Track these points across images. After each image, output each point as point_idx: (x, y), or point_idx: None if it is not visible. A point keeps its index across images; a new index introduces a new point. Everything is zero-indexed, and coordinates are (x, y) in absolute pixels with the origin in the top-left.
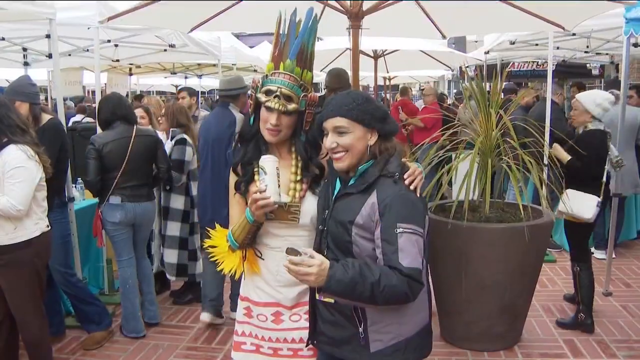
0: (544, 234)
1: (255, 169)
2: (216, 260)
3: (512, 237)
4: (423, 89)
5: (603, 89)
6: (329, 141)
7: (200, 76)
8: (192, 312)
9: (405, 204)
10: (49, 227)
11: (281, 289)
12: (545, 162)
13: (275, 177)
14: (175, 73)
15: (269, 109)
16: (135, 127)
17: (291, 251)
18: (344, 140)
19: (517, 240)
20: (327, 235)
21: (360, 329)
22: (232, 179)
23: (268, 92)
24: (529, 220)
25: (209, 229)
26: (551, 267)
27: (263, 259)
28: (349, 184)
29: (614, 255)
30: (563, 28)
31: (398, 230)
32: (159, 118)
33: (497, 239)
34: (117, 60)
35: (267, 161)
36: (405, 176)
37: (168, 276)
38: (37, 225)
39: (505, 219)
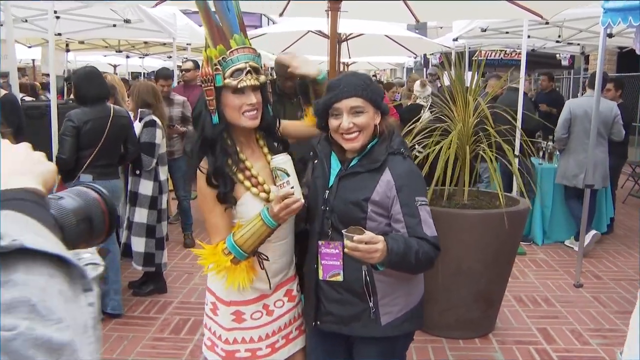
0: (520, 221)
1: (237, 173)
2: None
3: (489, 223)
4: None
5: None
6: (346, 121)
7: (144, 56)
8: (155, 303)
9: (417, 179)
10: None
11: (272, 279)
12: (517, 151)
13: (295, 176)
14: (120, 51)
15: (241, 90)
16: (112, 106)
17: (354, 230)
18: (360, 120)
19: (494, 226)
20: (331, 214)
21: (371, 304)
22: (208, 191)
23: (236, 73)
24: (506, 207)
25: (194, 249)
26: (521, 260)
27: (269, 261)
28: (352, 163)
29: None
30: (541, 17)
31: (417, 204)
32: (127, 99)
33: (475, 225)
34: (59, 34)
35: (286, 162)
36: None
37: (135, 265)
38: None
39: (481, 207)
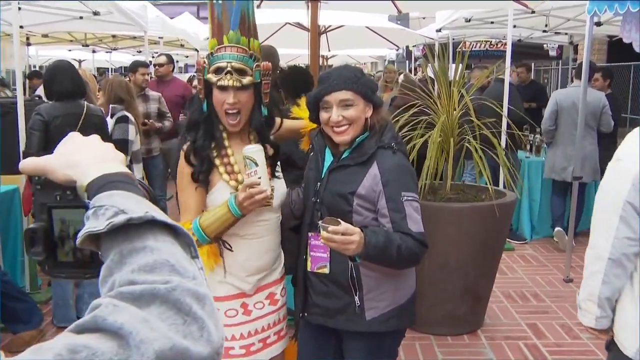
0: (506, 214)
1: (215, 157)
2: None
3: (476, 216)
4: None
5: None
6: (335, 114)
7: (111, 50)
8: None
9: (406, 173)
10: None
11: (248, 278)
12: (503, 144)
13: (265, 167)
14: (87, 45)
15: (222, 88)
16: (85, 104)
17: (330, 221)
18: (349, 113)
19: (481, 219)
20: (320, 206)
21: (356, 298)
22: (185, 169)
23: (218, 70)
24: (492, 200)
25: None
26: (509, 255)
27: (233, 251)
28: (343, 156)
29: (573, 243)
30: (526, 5)
31: (403, 199)
32: (97, 93)
33: (461, 218)
34: (20, 27)
35: (256, 152)
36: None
37: None
38: None
39: (466, 200)
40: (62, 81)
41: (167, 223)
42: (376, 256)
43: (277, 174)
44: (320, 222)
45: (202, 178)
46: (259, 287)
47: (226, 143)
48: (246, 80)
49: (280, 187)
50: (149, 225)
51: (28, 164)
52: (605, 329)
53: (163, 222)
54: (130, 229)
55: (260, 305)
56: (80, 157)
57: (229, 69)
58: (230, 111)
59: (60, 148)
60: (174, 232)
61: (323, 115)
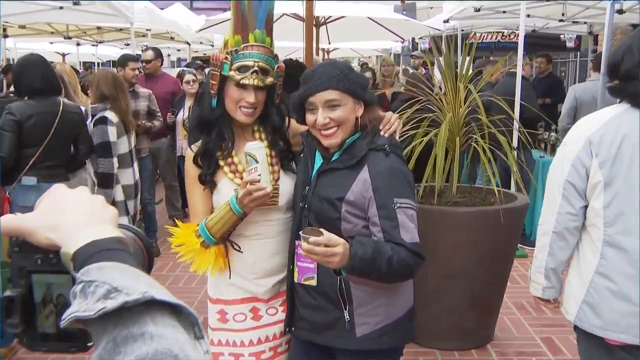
0: (518, 219)
1: (220, 159)
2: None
3: (484, 221)
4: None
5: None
6: (321, 117)
7: (97, 43)
8: None
9: (399, 178)
10: None
11: (258, 281)
12: (515, 143)
13: (266, 164)
14: (70, 37)
15: (244, 86)
16: (61, 100)
17: (310, 231)
18: (337, 114)
19: (489, 225)
20: (308, 212)
21: (346, 313)
22: (192, 170)
23: (243, 69)
24: (502, 203)
25: (169, 226)
26: (522, 263)
27: (242, 252)
28: (333, 158)
29: None
30: None
31: (395, 206)
32: (80, 90)
33: (468, 223)
34: None
35: (257, 149)
36: (381, 127)
37: None
38: None
39: (474, 204)
40: (31, 76)
41: (167, 302)
42: (363, 269)
43: (291, 167)
44: (300, 233)
45: (209, 179)
46: (275, 294)
47: (230, 143)
48: (268, 80)
49: (286, 187)
50: (146, 306)
51: (2, 224)
52: (550, 299)
53: (163, 302)
54: (124, 311)
55: (273, 311)
56: (65, 217)
57: (255, 68)
58: (246, 109)
59: (41, 204)
60: (176, 310)
61: (309, 118)
